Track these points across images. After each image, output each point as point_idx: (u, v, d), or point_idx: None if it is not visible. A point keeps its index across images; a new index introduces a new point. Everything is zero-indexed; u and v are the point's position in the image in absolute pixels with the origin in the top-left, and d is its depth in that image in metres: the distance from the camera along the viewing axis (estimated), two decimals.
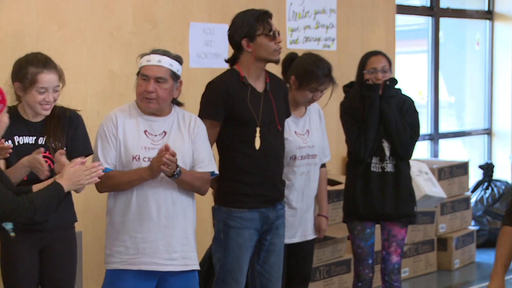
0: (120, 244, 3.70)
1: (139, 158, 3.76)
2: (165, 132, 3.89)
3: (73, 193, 3.79)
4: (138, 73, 3.83)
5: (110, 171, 3.74)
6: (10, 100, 3.81)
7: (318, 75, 4.64)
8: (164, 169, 3.51)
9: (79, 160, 3.38)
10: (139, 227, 3.69)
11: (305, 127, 4.76)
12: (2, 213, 3.24)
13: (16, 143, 3.78)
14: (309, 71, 4.65)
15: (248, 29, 4.16)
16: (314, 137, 4.80)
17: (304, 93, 4.63)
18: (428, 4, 8.94)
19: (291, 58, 4.86)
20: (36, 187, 3.54)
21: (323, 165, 4.90)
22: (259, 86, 4.26)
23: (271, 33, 4.17)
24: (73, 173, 3.39)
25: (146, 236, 3.69)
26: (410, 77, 9.03)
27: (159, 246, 3.69)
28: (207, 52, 6.22)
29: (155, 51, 3.85)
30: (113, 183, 3.79)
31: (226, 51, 5.57)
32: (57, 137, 3.81)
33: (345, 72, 6.01)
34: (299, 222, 4.56)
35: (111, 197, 3.85)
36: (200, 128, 3.89)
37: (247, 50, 4.20)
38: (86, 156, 3.66)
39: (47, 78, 3.70)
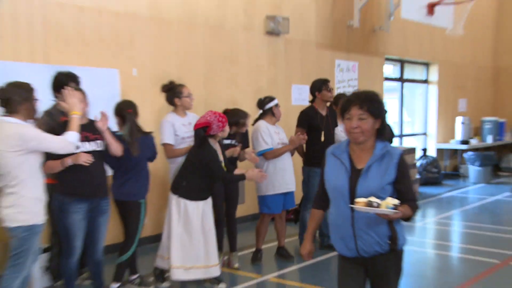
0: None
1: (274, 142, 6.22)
2: (279, 132, 6.37)
3: None
4: (275, 106, 6.37)
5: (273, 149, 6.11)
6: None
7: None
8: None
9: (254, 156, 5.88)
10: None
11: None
12: (217, 177, 5.16)
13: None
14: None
15: (318, 86, 6.65)
16: None
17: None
18: (399, 76, 12.85)
19: (338, 97, 7.18)
20: (236, 171, 5.44)
21: None
22: (324, 112, 6.66)
23: (329, 89, 6.60)
24: (253, 175, 5.30)
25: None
26: (391, 109, 11.85)
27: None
28: (299, 98, 9.47)
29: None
30: (274, 155, 6.11)
31: (307, 97, 8.49)
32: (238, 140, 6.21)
33: None
34: None
35: (264, 161, 6.13)
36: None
37: (318, 97, 6.62)
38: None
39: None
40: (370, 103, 3.22)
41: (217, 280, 5.54)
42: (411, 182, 3.33)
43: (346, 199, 3.22)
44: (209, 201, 5.45)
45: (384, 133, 3.31)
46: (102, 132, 4.83)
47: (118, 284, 5.36)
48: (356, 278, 3.37)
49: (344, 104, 3.31)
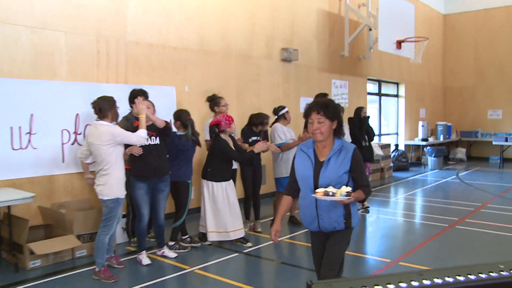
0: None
1: (286, 139, 6.10)
2: (290, 131, 6.23)
3: None
4: (286, 112, 6.26)
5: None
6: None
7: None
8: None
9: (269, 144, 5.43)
10: None
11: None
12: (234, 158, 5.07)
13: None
14: None
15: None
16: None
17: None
18: (377, 91, 12.91)
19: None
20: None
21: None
22: None
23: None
24: (260, 146, 5.33)
25: None
26: (372, 116, 10.36)
27: None
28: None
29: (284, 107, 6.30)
30: (287, 147, 6.01)
31: None
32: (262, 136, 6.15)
33: (350, 113, 7.77)
34: None
35: (280, 152, 5.91)
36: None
37: None
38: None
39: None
40: (326, 108, 3.02)
41: (244, 240, 5.59)
42: (363, 171, 3.11)
43: (311, 186, 3.02)
44: (231, 182, 5.45)
45: (341, 132, 3.09)
46: (148, 114, 4.80)
47: (173, 243, 5.44)
48: (319, 244, 3.26)
49: (306, 110, 3.12)
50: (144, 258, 4.93)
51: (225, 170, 5.33)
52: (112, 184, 4.37)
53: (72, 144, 5.79)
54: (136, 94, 5.19)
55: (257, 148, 5.30)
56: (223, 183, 5.34)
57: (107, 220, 4.49)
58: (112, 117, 4.39)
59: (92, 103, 4.38)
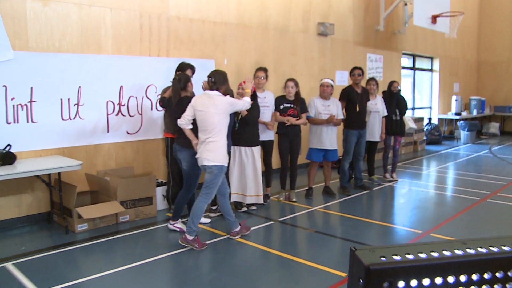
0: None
1: (321, 113, 6.01)
2: (329, 105, 6.06)
3: None
4: (320, 85, 6.11)
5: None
6: None
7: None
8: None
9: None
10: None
11: (375, 102, 6.88)
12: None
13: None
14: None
15: (350, 72, 6.61)
16: (379, 104, 6.94)
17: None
18: (412, 66, 12.45)
19: (369, 79, 7.02)
20: None
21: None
22: (359, 90, 6.50)
23: (353, 74, 6.46)
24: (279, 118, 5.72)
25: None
26: (406, 90, 11.90)
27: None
28: (341, 80, 9.19)
29: (326, 78, 6.15)
30: (313, 122, 5.98)
31: (347, 79, 9.14)
32: (297, 105, 5.81)
33: (385, 87, 7.95)
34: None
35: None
36: (339, 103, 6.13)
37: (351, 79, 6.54)
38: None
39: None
40: None
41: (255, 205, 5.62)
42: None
43: None
44: (258, 148, 5.38)
45: None
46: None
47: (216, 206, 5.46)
48: None
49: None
50: (183, 225, 4.88)
51: (250, 135, 5.32)
52: (220, 151, 4.34)
53: (117, 114, 5.78)
54: (185, 67, 5.23)
55: (278, 118, 5.49)
56: (252, 148, 5.36)
57: (209, 187, 4.39)
58: (224, 91, 4.43)
59: (209, 75, 4.41)
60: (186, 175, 4.73)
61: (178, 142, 4.70)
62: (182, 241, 4.36)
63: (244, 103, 4.53)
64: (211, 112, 4.29)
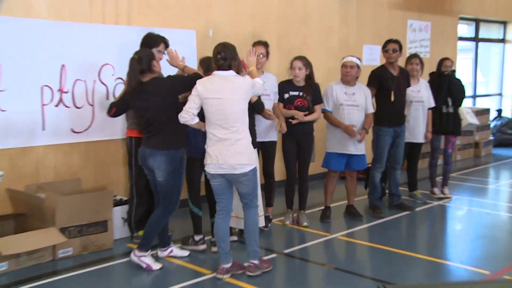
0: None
1: (342, 104, 6.08)
2: (354, 93, 6.15)
3: None
4: (342, 65, 6.17)
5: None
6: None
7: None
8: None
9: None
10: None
11: (418, 89, 7.00)
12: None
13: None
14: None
15: (382, 47, 6.68)
16: (424, 91, 7.02)
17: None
18: (474, 36, 12.59)
19: (409, 57, 7.13)
20: None
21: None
22: (395, 72, 6.54)
23: (386, 49, 6.56)
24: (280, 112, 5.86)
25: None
26: (464, 70, 12.02)
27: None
28: (370, 58, 9.43)
29: (350, 55, 6.22)
30: (329, 119, 6.11)
31: (378, 57, 9.22)
32: (308, 93, 5.90)
33: (433, 67, 7.77)
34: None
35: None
36: (368, 91, 6.23)
37: (384, 56, 6.67)
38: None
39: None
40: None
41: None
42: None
43: None
44: (255, 153, 5.19)
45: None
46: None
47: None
48: None
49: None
50: (153, 261, 4.92)
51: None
52: (250, 149, 4.55)
53: (56, 105, 5.74)
54: (156, 41, 5.31)
55: (281, 112, 5.72)
56: None
57: (255, 196, 4.70)
58: (237, 67, 4.60)
59: (217, 50, 4.54)
60: (163, 190, 4.76)
61: (148, 144, 4.76)
62: (251, 272, 4.65)
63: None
64: (231, 99, 4.44)
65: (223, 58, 4.47)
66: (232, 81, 4.46)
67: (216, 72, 4.54)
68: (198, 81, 4.57)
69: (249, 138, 4.55)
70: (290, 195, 6.21)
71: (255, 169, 4.59)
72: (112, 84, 6.13)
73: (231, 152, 4.42)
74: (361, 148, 6.23)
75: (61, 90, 5.75)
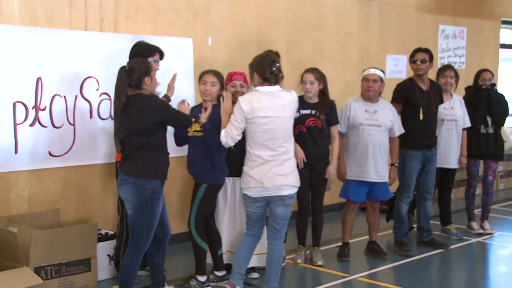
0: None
1: (362, 124, 6.11)
2: (376, 111, 6.16)
3: None
4: (362, 79, 6.21)
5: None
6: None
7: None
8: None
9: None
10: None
11: (451, 105, 7.01)
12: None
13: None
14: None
15: (410, 57, 6.84)
16: (457, 109, 7.06)
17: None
18: None
19: (441, 69, 7.21)
20: None
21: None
22: (424, 86, 6.61)
23: (414, 59, 6.66)
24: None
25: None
26: (505, 82, 11.55)
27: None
28: (395, 70, 9.45)
29: (372, 67, 6.28)
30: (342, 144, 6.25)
31: (405, 68, 9.43)
32: (322, 112, 5.92)
33: (469, 80, 7.91)
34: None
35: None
36: (394, 109, 6.32)
37: (412, 68, 6.77)
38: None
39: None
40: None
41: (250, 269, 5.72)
42: None
43: None
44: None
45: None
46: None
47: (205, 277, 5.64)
48: None
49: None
50: None
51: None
52: (296, 169, 5.01)
53: (31, 124, 5.76)
54: (149, 49, 5.37)
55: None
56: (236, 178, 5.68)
57: (284, 225, 5.10)
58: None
59: (267, 60, 4.85)
60: (131, 224, 4.86)
61: (120, 170, 4.85)
62: None
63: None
64: (281, 117, 4.80)
65: (279, 69, 4.78)
66: (281, 98, 4.74)
67: (260, 88, 4.78)
68: (241, 99, 4.77)
69: (294, 159, 4.96)
70: (303, 228, 6.25)
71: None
72: (96, 100, 6.15)
73: (278, 173, 4.76)
74: (384, 174, 6.28)
75: (36, 107, 5.78)
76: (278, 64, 4.79)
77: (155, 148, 4.65)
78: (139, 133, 4.63)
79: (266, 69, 4.75)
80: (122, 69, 4.75)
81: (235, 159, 5.48)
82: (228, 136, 4.81)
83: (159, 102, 4.82)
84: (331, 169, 6.03)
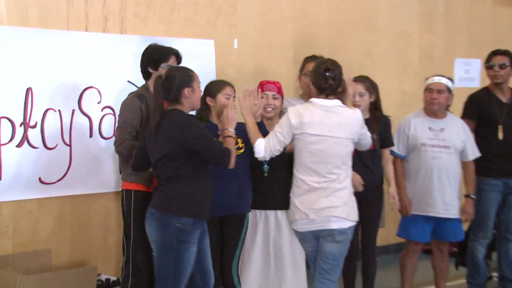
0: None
1: (425, 145, 6.00)
2: (442, 129, 6.05)
3: None
4: (425, 89, 6.12)
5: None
6: None
7: None
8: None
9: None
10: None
11: None
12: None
13: None
14: None
15: (485, 61, 6.62)
16: None
17: None
18: None
19: None
20: None
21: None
22: (504, 98, 6.51)
23: (491, 64, 6.49)
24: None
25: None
26: None
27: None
28: (466, 77, 9.23)
29: (436, 75, 6.13)
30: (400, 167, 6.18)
31: (478, 76, 9.16)
32: (374, 129, 5.76)
33: None
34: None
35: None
36: (467, 128, 6.16)
37: (488, 75, 6.60)
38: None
39: None
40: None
41: None
42: None
43: None
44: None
45: None
46: None
47: None
48: None
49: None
50: None
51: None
52: (353, 201, 4.95)
53: (19, 145, 5.75)
54: (163, 53, 5.39)
55: None
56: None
57: (337, 266, 5.03)
58: (342, 95, 4.96)
59: (323, 67, 4.83)
60: (156, 269, 4.78)
61: (151, 201, 4.79)
62: None
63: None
64: (336, 138, 4.76)
65: (333, 78, 4.74)
66: (338, 114, 4.72)
67: (314, 100, 4.78)
68: (290, 110, 4.81)
69: (351, 189, 4.89)
70: (351, 274, 6.12)
71: (353, 227, 4.92)
72: (98, 116, 6.13)
73: (325, 205, 4.73)
74: (455, 208, 6.10)
75: (25, 124, 5.77)
76: (332, 73, 4.77)
77: (189, 179, 4.59)
78: (170, 159, 4.59)
79: (321, 78, 4.75)
80: (158, 78, 4.77)
81: (266, 187, 5.52)
82: (268, 150, 4.82)
83: (187, 124, 4.64)
84: (393, 191, 5.99)
